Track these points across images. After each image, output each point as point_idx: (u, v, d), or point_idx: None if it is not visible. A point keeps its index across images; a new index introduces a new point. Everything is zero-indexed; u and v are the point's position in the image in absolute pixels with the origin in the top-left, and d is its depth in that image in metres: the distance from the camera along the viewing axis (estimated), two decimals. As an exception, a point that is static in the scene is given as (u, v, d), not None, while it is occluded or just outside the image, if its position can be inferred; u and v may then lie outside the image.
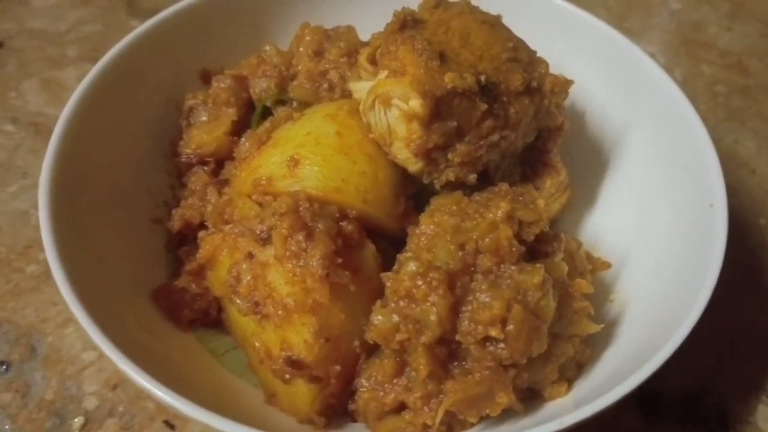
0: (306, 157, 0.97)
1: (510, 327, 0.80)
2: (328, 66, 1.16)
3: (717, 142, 1.53)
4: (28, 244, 1.28)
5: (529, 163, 1.13)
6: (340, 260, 0.88)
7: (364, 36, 1.20)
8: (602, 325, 0.94)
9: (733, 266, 1.27)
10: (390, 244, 1.03)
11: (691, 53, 1.77)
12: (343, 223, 0.94)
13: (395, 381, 0.88)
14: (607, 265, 1.11)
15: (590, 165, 1.22)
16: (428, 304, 0.81)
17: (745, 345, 1.18)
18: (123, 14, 1.81)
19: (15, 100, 1.56)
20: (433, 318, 0.81)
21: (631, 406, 1.08)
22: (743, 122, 1.60)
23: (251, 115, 1.19)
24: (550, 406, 0.91)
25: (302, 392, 0.90)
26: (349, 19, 1.27)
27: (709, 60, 1.75)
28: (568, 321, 0.90)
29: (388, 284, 0.86)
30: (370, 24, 1.16)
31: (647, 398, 1.09)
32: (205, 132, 1.16)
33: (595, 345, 0.98)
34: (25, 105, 1.56)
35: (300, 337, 0.87)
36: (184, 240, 1.13)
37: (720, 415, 1.08)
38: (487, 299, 0.82)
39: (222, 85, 1.19)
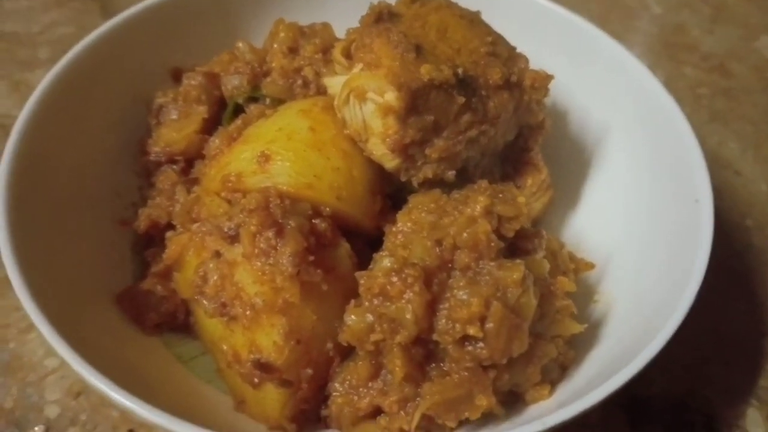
0: (277, 153, 0.94)
1: (489, 325, 0.77)
2: (302, 63, 1.13)
3: (701, 144, 1.53)
4: (-9, 249, 1.23)
5: (510, 162, 1.10)
6: (312, 258, 0.84)
7: (340, 33, 1.17)
8: (585, 325, 0.91)
9: (719, 270, 1.24)
10: (367, 244, 0.99)
11: (673, 56, 1.76)
12: (316, 221, 0.90)
13: (370, 384, 0.84)
14: (591, 266, 1.07)
15: (573, 165, 1.19)
16: (403, 301, 0.78)
17: (732, 349, 1.15)
18: (96, 16, 1.77)
19: (-18, 102, 1.52)
20: (408, 316, 0.77)
21: (617, 412, 1.04)
22: (726, 124, 1.58)
23: (222, 113, 1.15)
24: (533, 410, 0.87)
25: (272, 397, 0.86)
26: (326, 17, 1.24)
27: (692, 62, 1.74)
28: (550, 320, 0.86)
29: (362, 282, 0.82)
30: (346, 21, 1.14)
31: (633, 404, 1.05)
32: (174, 130, 1.12)
33: (579, 346, 0.94)
34: (-8, 107, 1.51)
35: (269, 339, 0.83)
36: (151, 241, 1.08)
37: (707, 419, 1.05)
38: (465, 296, 0.78)
39: (193, 82, 1.15)
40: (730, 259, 1.28)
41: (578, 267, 1.06)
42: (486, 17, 1.08)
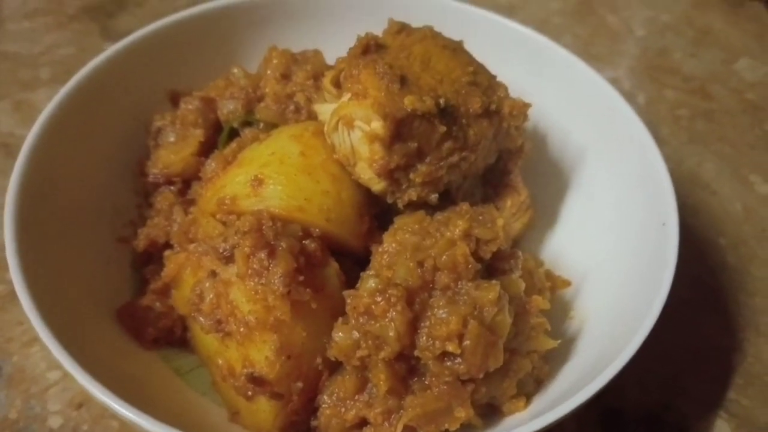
0: (270, 177, 0.99)
1: (466, 342, 0.82)
2: (294, 89, 1.19)
3: (679, 164, 1.60)
4: (-4, 265, 1.27)
5: (490, 184, 1.16)
6: (301, 278, 0.89)
7: (331, 59, 1.23)
8: (559, 341, 0.96)
9: (694, 285, 1.31)
10: (355, 263, 1.04)
11: (655, 78, 1.82)
12: (306, 242, 0.95)
13: (357, 397, 0.89)
14: (567, 283, 1.13)
15: (552, 186, 1.25)
16: (387, 320, 0.83)
17: (705, 363, 1.20)
18: (97, 38, 1.82)
19: (-15, 122, 1.57)
20: (391, 334, 0.82)
21: (593, 424, 1.09)
22: (706, 145, 1.64)
23: (218, 137, 1.21)
24: (509, 421, 0.92)
25: (264, 409, 0.91)
26: (317, 44, 1.30)
27: (673, 85, 1.80)
28: (525, 337, 0.92)
29: (348, 301, 0.87)
30: (336, 48, 1.19)
31: (608, 416, 1.10)
32: (172, 152, 1.18)
33: (554, 361, 0.99)
34: (-5, 126, 1.56)
35: (261, 355, 0.88)
36: (150, 259, 1.14)
37: (679, 431, 1.10)
38: (444, 315, 0.83)
39: (190, 106, 1.20)
40: (703, 275, 1.34)
41: (555, 284, 1.12)
42: (469, 43, 1.14)
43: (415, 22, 1.13)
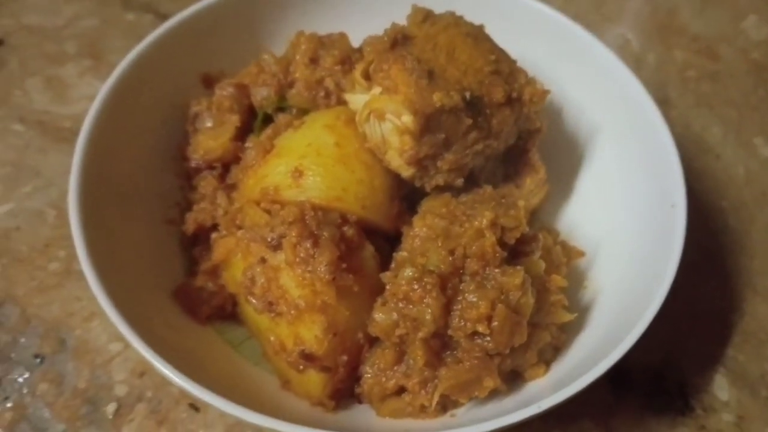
0: (309, 168, 1.07)
1: (495, 323, 0.93)
2: (323, 74, 1.25)
3: (686, 128, 1.67)
4: (47, 243, 1.36)
5: (511, 163, 1.24)
6: (344, 265, 0.99)
7: (357, 40, 1.29)
8: (576, 314, 1.06)
9: (696, 249, 1.39)
10: (386, 240, 1.14)
11: (665, 39, 1.86)
12: (345, 228, 1.05)
13: (395, 368, 1.01)
14: (582, 254, 1.23)
15: (567, 160, 1.33)
16: (423, 305, 0.93)
17: (705, 324, 1.30)
18: (118, 7, 1.84)
19: (20, 99, 1.61)
20: (428, 317, 0.93)
21: (601, 381, 1.21)
22: (711, 108, 1.69)
23: (253, 120, 1.28)
24: (530, 386, 1.04)
25: (314, 380, 1.02)
26: (341, 23, 1.36)
27: (682, 45, 1.84)
28: (545, 312, 1.02)
29: (388, 287, 0.97)
30: (361, 29, 1.26)
31: (616, 374, 1.21)
32: (211, 138, 1.25)
33: (571, 330, 1.10)
34: (30, 103, 1.61)
35: (311, 333, 0.99)
36: (197, 239, 1.23)
37: (680, 387, 1.22)
38: (474, 299, 0.94)
39: (224, 93, 1.27)
40: (705, 239, 1.43)
41: (570, 255, 1.22)
42: (489, 24, 1.20)
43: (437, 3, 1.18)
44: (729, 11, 1.94)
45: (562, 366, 1.05)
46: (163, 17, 1.80)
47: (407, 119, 1.03)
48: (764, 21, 1.92)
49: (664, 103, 1.69)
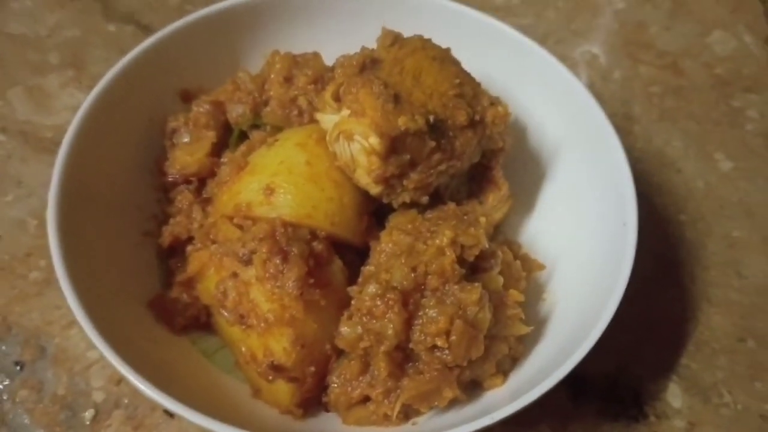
0: (280, 186, 1.12)
1: (453, 338, 0.98)
2: (297, 93, 1.30)
3: (648, 142, 1.73)
4: (29, 252, 1.40)
5: (475, 180, 1.30)
6: (312, 280, 1.04)
7: (331, 57, 1.34)
8: (532, 327, 1.12)
9: (654, 260, 1.47)
10: (355, 254, 1.19)
11: (631, 54, 1.91)
12: (315, 243, 1.10)
13: (360, 379, 1.06)
14: (542, 267, 1.28)
15: (530, 176, 1.38)
16: (386, 320, 0.99)
17: (662, 332, 1.36)
18: (99, 17, 1.87)
19: (2, 108, 1.64)
20: (390, 332, 0.98)
21: (559, 388, 1.26)
22: (674, 122, 1.75)
23: (228, 136, 1.33)
24: (489, 395, 1.10)
25: (283, 390, 1.07)
26: (315, 43, 1.41)
27: (647, 61, 1.90)
28: (503, 325, 1.08)
29: (353, 303, 1.03)
30: (335, 46, 1.31)
31: (573, 380, 1.27)
32: (187, 153, 1.30)
33: (529, 341, 1.16)
34: (12, 113, 1.64)
35: (280, 346, 1.04)
36: (173, 251, 1.28)
37: (635, 394, 1.28)
38: (434, 315, 0.99)
39: (201, 109, 1.32)
40: (664, 250, 1.49)
41: (531, 268, 1.28)
42: (457, 43, 1.26)
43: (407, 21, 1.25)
44: (696, 26, 1.99)
45: (519, 375, 1.11)
46: (145, 28, 1.84)
47: (374, 141, 1.08)
48: (729, 36, 1.99)
49: (628, 118, 1.75)
